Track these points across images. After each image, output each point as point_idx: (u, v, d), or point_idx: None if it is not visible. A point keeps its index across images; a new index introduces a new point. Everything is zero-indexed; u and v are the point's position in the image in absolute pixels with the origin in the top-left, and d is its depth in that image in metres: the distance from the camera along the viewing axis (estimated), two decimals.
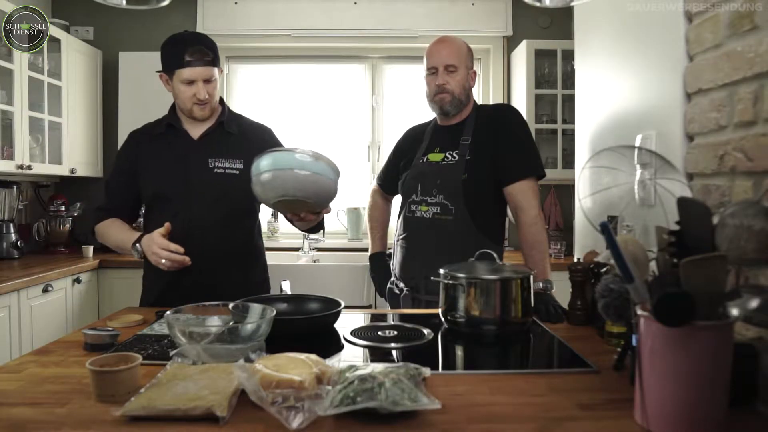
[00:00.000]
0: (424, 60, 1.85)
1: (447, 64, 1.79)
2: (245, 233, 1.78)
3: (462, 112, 1.85)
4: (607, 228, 0.81)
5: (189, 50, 1.61)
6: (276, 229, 3.53)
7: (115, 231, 1.74)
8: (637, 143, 1.51)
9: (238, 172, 1.70)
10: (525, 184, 1.74)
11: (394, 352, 1.19)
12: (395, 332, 1.31)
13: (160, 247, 1.53)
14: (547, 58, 3.32)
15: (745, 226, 0.78)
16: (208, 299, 1.43)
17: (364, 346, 1.23)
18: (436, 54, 1.81)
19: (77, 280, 2.80)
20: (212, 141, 1.74)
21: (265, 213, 3.51)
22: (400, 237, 1.87)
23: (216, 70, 1.68)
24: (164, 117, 1.79)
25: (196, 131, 1.75)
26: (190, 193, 1.69)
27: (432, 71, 1.82)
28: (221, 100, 1.81)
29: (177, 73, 1.63)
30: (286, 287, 1.69)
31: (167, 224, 1.56)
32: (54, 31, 2.91)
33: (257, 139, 1.75)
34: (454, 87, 1.79)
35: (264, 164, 1.39)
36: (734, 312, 0.77)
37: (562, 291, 1.55)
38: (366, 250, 2.17)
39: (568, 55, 3.06)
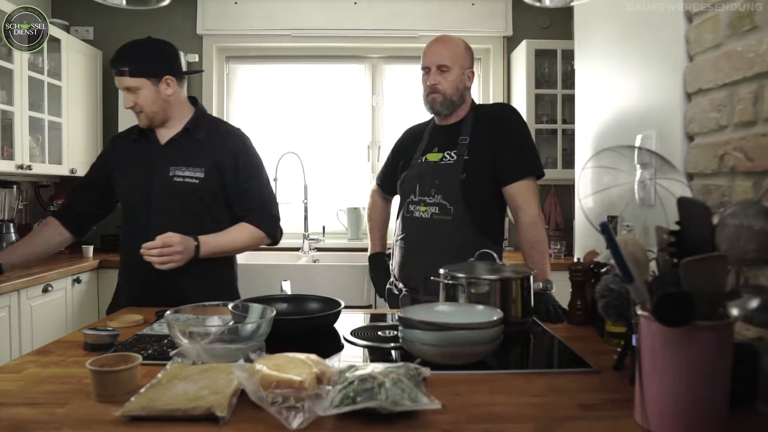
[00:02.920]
0: (421, 59, 1.86)
1: (439, 64, 1.79)
2: None
3: (458, 112, 1.85)
4: (607, 228, 0.81)
5: (113, 59, 1.65)
6: None
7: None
8: (637, 143, 1.51)
9: (197, 181, 1.68)
10: (524, 183, 1.74)
11: (393, 352, 1.19)
12: (395, 332, 1.31)
13: None
14: (547, 58, 3.32)
15: (745, 226, 0.78)
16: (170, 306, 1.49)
17: (364, 346, 1.23)
18: (430, 53, 1.82)
19: (77, 280, 2.80)
20: (176, 148, 1.72)
21: None
22: (399, 237, 1.87)
23: (138, 80, 1.65)
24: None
25: (164, 137, 1.75)
26: (151, 203, 1.69)
27: (425, 70, 1.82)
28: (195, 104, 1.81)
29: None
30: (286, 287, 1.69)
31: None
32: (54, 31, 2.90)
33: (222, 147, 1.73)
34: (446, 87, 1.79)
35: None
36: (734, 312, 0.77)
37: (562, 291, 1.55)
38: (366, 250, 2.17)
39: (568, 55, 3.06)
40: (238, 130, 1.83)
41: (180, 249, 1.56)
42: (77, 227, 1.85)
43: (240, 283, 2.89)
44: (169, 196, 1.68)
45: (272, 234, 1.78)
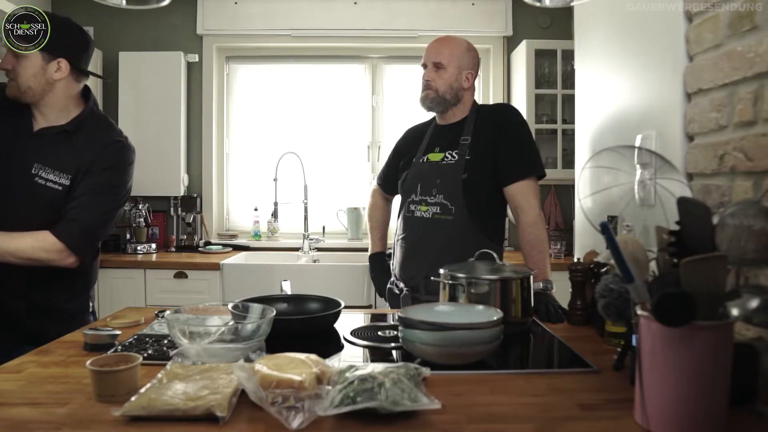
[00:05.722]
0: None
1: (435, 62, 1.82)
2: None
3: (457, 112, 1.85)
4: (607, 228, 0.81)
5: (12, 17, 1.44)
6: (276, 229, 3.53)
7: None
8: (637, 143, 1.51)
9: (60, 188, 1.49)
10: (525, 184, 1.74)
11: (394, 352, 1.19)
12: (395, 332, 1.31)
13: None
14: (547, 58, 3.32)
15: (745, 226, 0.78)
16: (11, 329, 1.48)
17: (364, 346, 1.23)
18: (428, 50, 1.85)
19: None
20: (46, 143, 1.52)
21: (262, 211, 3.52)
22: (400, 237, 1.87)
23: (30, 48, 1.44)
24: None
25: (39, 121, 1.54)
26: (7, 197, 1.48)
27: (423, 67, 1.85)
28: (87, 100, 1.63)
29: None
30: (286, 287, 1.69)
31: None
32: None
33: (92, 156, 1.53)
34: (439, 85, 1.81)
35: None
36: (734, 312, 0.77)
37: (562, 291, 1.55)
38: (366, 250, 2.17)
39: (568, 55, 3.06)
40: (121, 144, 1.61)
41: None
42: None
43: (240, 283, 2.91)
44: (24, 195, 1.48)
45: (75, 247, 1.48)
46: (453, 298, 1.33)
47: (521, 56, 3.31)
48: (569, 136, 3.15)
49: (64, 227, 1.48)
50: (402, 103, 3.61)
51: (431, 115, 1.95)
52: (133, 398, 0.84)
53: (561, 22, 3.49)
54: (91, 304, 1.70)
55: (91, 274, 1.69)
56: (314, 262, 3.24)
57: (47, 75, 1.50)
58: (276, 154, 3.31)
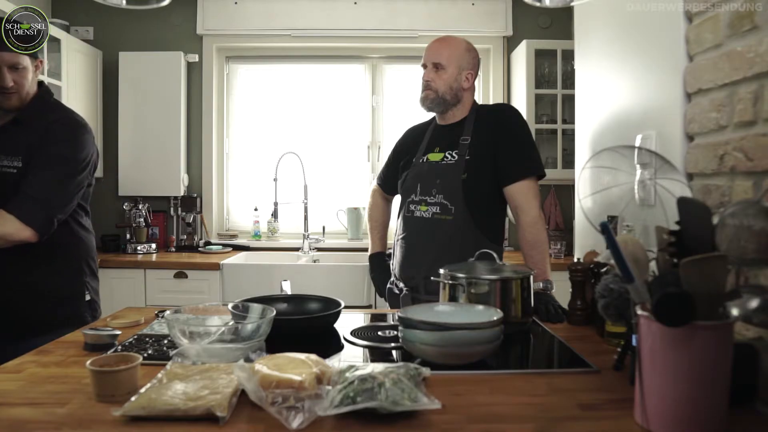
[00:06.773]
0: None
1: (434, 62, 1.82)
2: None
3: (457, 112, 1.85)
4: (607, 228, 0.81)
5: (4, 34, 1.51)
6: (276, 229, 3.53)
7: None
8: (637, 143, 1.51)
9: (15, 171, 1.57)
10: (525, 184, 1.74)
11: (394, 352, 1.19)
12: (395, 332, 1.31)
13: None
14: (547, 58, 3.32)
15: (745, 226, 0.78)
16: None
17: (364, 346, 1.23)
18: (428, 51, 1.85)
19: None
20: (3, 135, 1.61)
21: (262, 211, 3.52)
22: (400, 237, 1.87)
23: (26, 58, 1.57)
24: None
25: (1, 119, 1.64)
26: None
27: (423, 68, 1.85)
28: (44, 91, 1.71)
29: None
30: (286, 287, 1.69)
31: None
32: (54, 31, 2.90)
33: (41, 134, 1.60)
34: (439, 85, 1.81)
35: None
36: (734, 312, 0.77)
37: (562, 291, 1.55)
38: (366, 250, 2.17)
39: (568, 55, 3.06)
40: (67, 118, 1.69)
41: None
42: None
43: (240, 283, 2.91)
44: None
45: (26, 219, 1.51)
46: (453, 298, 1.33)
47: (521, 56, 3.31)
48: (569, 136, 3.15)
49: (15, 201, 1.53)
50: (402, 103, 3.61)
51: (431, 115, 1.95)
52: (133, 398, 0.84)
53: (561, 22, 3.49)
54: (86, 292, 1.71)
55: (73, 254, 1.71)
56: (314, 262, 3.24)
57: (35, 76, 1.65)
58: (276, 154, 3.31)
